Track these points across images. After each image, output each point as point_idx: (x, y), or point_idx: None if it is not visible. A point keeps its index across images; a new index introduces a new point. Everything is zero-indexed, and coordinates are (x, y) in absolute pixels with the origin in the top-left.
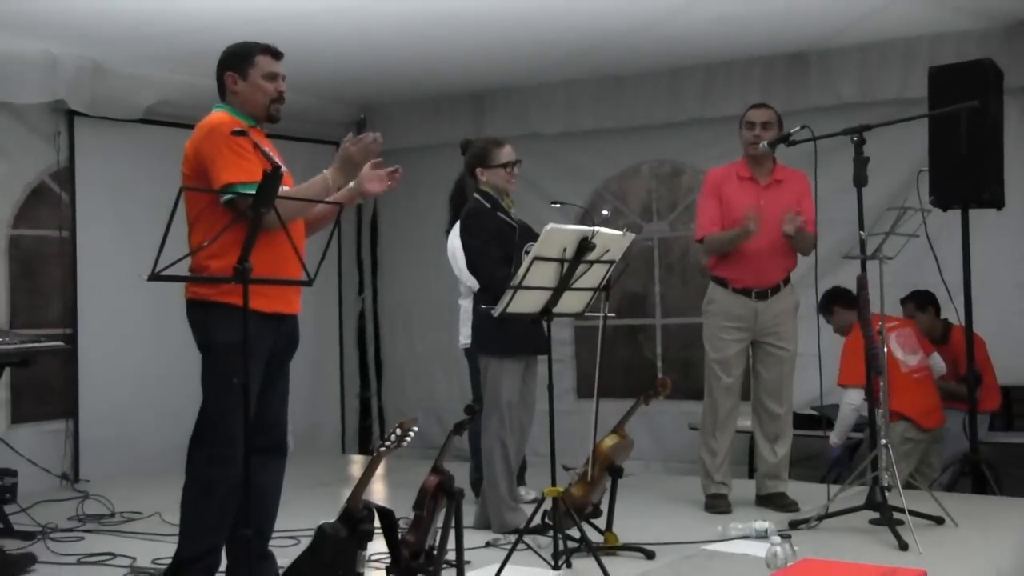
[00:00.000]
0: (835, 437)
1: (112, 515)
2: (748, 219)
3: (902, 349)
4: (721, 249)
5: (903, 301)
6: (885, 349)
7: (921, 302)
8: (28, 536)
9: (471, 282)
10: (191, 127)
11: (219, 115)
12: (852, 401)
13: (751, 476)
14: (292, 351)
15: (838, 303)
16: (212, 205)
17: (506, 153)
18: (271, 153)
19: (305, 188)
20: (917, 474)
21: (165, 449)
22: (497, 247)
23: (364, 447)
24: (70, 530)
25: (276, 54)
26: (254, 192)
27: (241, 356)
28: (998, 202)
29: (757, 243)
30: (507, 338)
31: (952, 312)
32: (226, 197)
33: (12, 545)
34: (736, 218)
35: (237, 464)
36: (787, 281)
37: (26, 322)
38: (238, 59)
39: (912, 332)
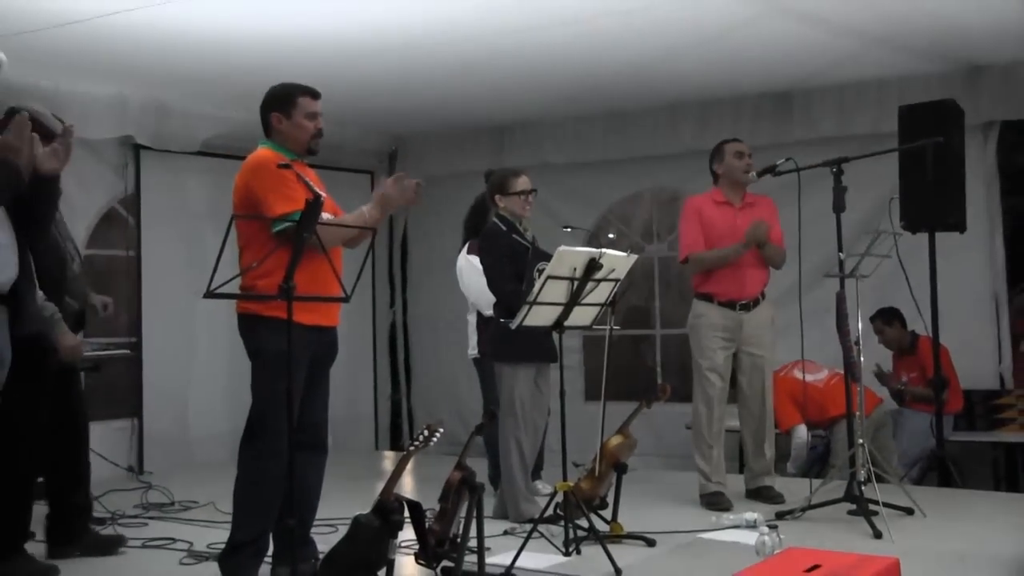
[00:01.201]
0: (792, 468)
1: (172, 504)
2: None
3: (807, 373)
4: (714, 265)
5: (872, 318)
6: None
7: (888, 317)
8: (100, 521)
9: (475, 298)
10: (241, 158)
11: (264, 152)
12: (800, 436)
13: (741, 471)
14: (332, 359)
15: None
16: (260, 231)
17: (522, 182)
18: (312, 183)
19: (344, 219)
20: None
21: (219, 444)
22: (510, 265)
23: (395, 444)
24: (135, 516)
25: (315, 95)
26: (298, 219)
27: (286, 364)
28: (961, 226)
29: (740, 260)
30: (520, 347)
31: (921, 325)
32: (281, 226)
33: None
34: (717, 237)
35: (282, 460)
36: (763, 295)
37: (97, 332)
38: (282, 100)
39: (809, 363)
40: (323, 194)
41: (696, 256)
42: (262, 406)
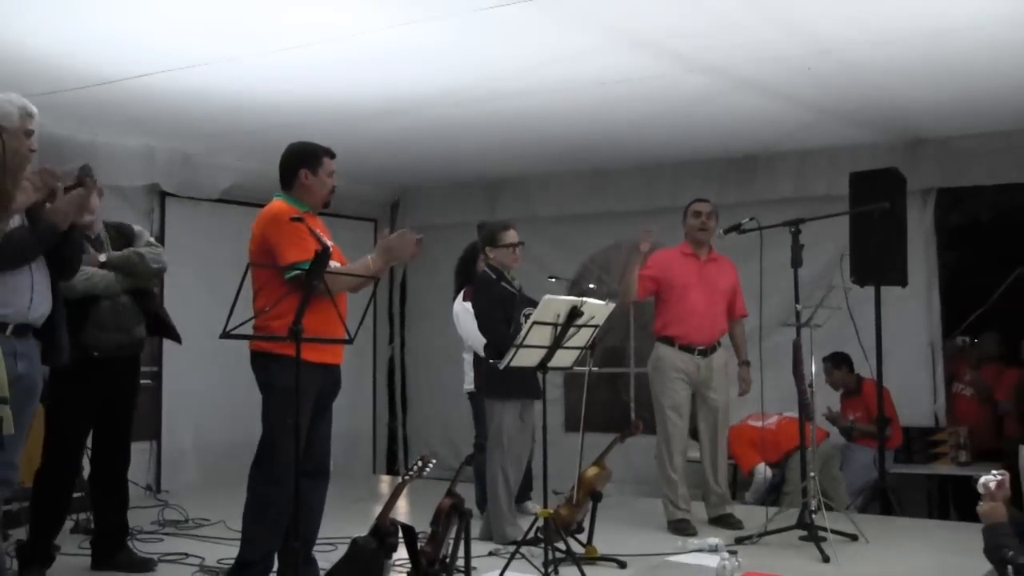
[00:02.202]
0: (751, 498)
1: (186, 521)
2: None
3: (758, 421)
4: (627, 279)
5: (824, 359)
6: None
7: (837, 361)
8: None
9: (470, 340)
10: (256, 206)
11: (279, 204)
12: (760, 473)
13: (704, 499)
14: (335, 394)
15: None
16: (273, 277)
17: (510, 236)
18: (322, 235)
19: (350, 268)
20: (827, 487)
21: (230, 468)
22: (500, 310)
23: (391, 468)
24: (153, 532)
25: (333, 155)
26: (307, 268)
27: (295, 398)
28: (903, 280)
29: (701, 307)
30: (508, 385)
31: (867, 369)
32: (292, 274)
33: None
34: (683, 286)
35: (289, 485)
36: (719, 343)
37: None
38: (309, 158)
39: (756, 415)
40: (330, 244)
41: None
42: (271, 436)
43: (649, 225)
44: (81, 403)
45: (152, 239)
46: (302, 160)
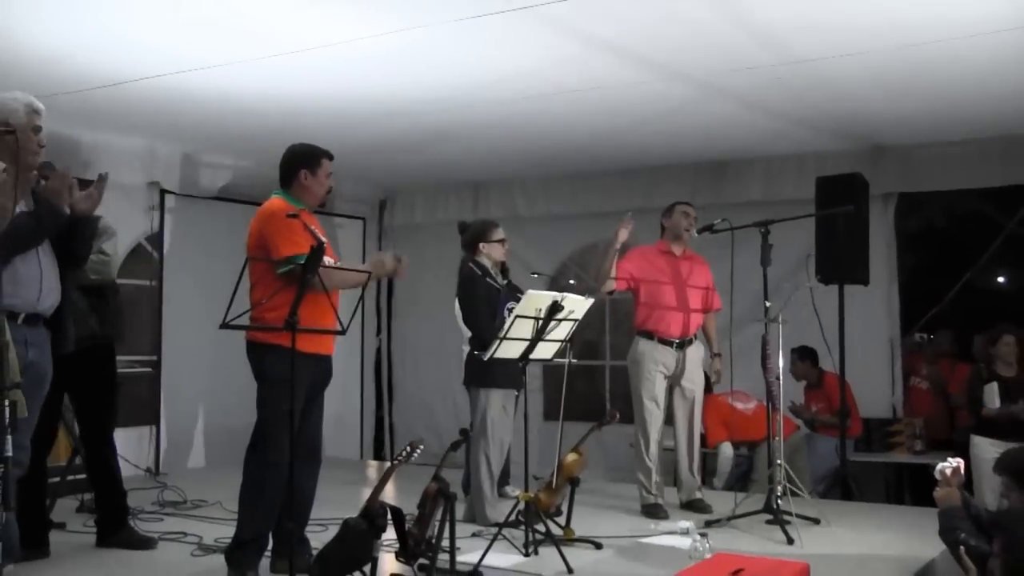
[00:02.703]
0: (718, 483)
1: (185, 502)
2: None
3: (741, 402)
4: (600, 270)
5: (792, 351)
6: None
7: (803, 354)
8: None
9: (468, 332)
10: (253, 203)
11: (276, 201)
12: (726, 453)
13: (675, 484)
14: (327, 383)
15: None
16: (268, 271)
17: (499, 232)
18: (317, 231)
19: (345, 278)
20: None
21: (225, 451)
22: (485, 304)
23: (378, 454)
24: (153, 512)
25: (331, 157)
26: (303, 262)
27: (288, 386)
28: (865, 279)
29: (678, 302)
30: (492, 375)
31: (830, 362)
32: (286, 268)
33: None
34: (659, 281)
35: (282, 469)
36: (696, 336)
37: (123, 351)
38: (310, 160)
39: (741, 393)
40: (325, 240)
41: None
42: (265, 422)
43: (622, 242)
44: None
45: (105, 249)
46: (303, 161)
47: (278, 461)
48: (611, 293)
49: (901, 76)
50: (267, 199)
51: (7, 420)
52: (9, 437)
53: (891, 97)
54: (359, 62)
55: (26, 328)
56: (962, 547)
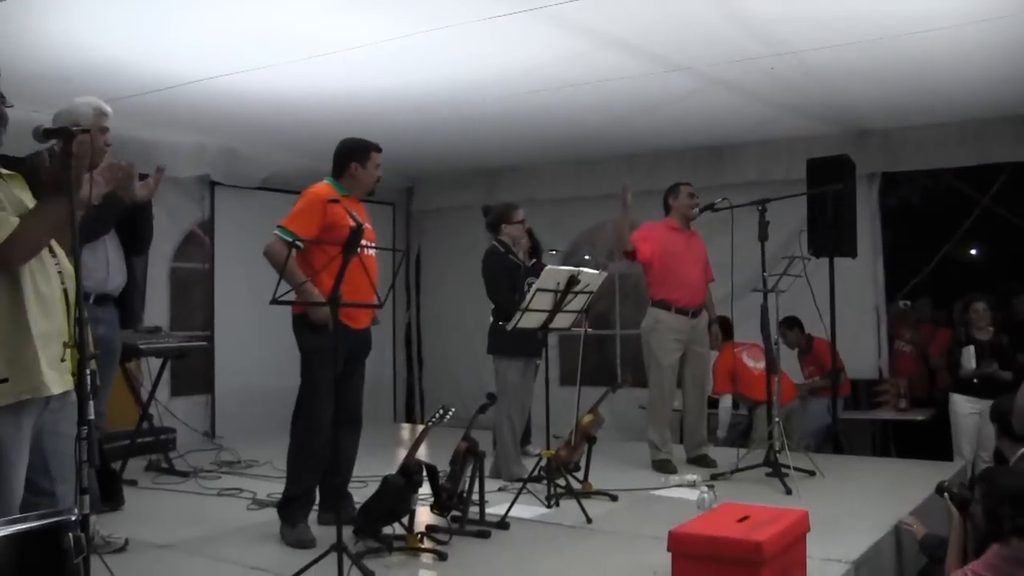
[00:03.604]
0: (720, 434)
1: (239, 462)
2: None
3: (752, 359)
4: (623, 233)
5: (779, 323)
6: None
7: (790, 323)
8: (184, 474)
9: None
10: (293, 192)
11: (321, 185)
12: (725, 404)
13: (682, 442)
14: (366, 353)
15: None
16: (310, 252)
17: (520, 213)
18: (358, 215)
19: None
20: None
21: (274, 416)
22: (507, 280)
23: (409, 417)
24: (211, 471)
25: (380, 150)
26: (288, 238)
27: (323, 355)
28: (852, 252)
29: (690, 275)
30: (514, 344)
31: (821, 328)
32: (279, 231)
33: (174, 480)
34: (673, 254)
35: (323, 432)
36: (703, 305)
37: (180, 327)
38: (361, 153)
39: (757, 349)
40: (366, 224)
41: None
42: (308, 390)
43: (630, 206)
44: None
45: None
46: (354, 154)
47: (319, 426)
48: (632, 256)
49: (883, 65)
50: (315, 183)
51: (89, 387)
52: (91, 402)
53: (874, 84)
54: (386, 61)
55: (96, 307)
56: (947, 494)
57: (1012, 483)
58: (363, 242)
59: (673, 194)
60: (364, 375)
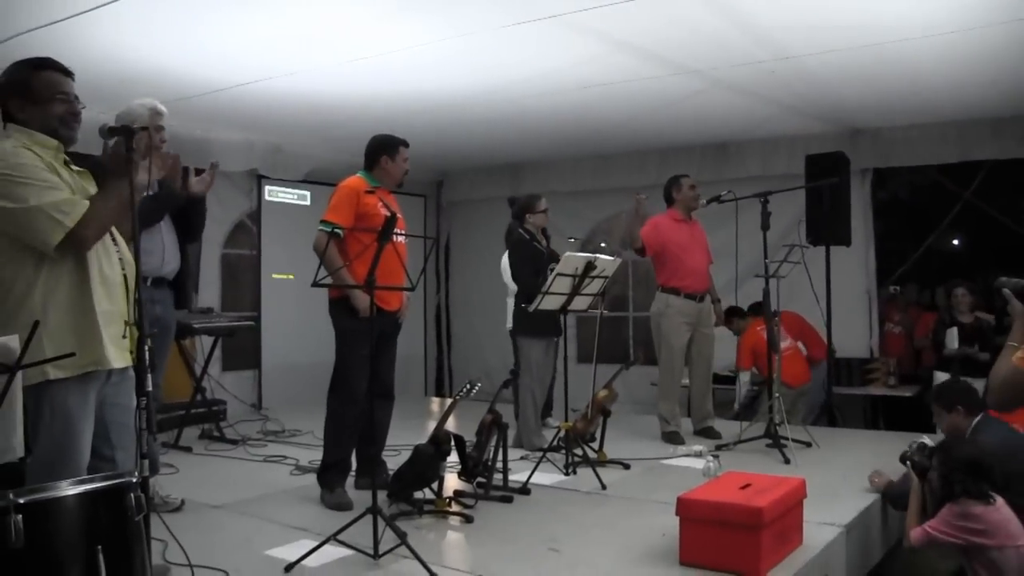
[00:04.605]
0: (738, 404)
1: (283, 431)
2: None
3: (782, 339)
4: (628, 230)
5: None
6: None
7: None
8: (233, 442)
9: (514, 287)
10: (332, 184)
11: (354, 179)
12: (744, 380)
13: (689, 415)
14: (396, 332)
15: (735, 315)
16: (348, 237)
17: (543, 203)
18: (391, 204)
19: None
20: (788, 415)
21: (316, 389)
22: (530, 265)
23: (439, 391)
24: (258, 439)
25: (407, 145)
26: (329, 229)
27: (355, 335)
28: (847, 241)
29: (696, 262)
30: (536, 324)
31: (818, 312)
32: (322, 227)
33: (225, 447)
34: (678, 244)
35: (356, 405)
36: (708, 289)
37: (230, 308)
38: (390, 147)
39: (782, 327)
40: (398, 214)
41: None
42: (342, 367)
43: (643, 211)
44: None
45: None
46: (384, 148)
47: (352, 399)
48: (641, 252)
49: (874, 70)
50: (349, 176)
51: (147, 361)
52: (149, 375)
53: (866, 87)
54: (417, 65)
55: (153, 289)
56: (908, 463)
57: (965, 452)
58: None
59: (675, 187)
60: (395, 352)
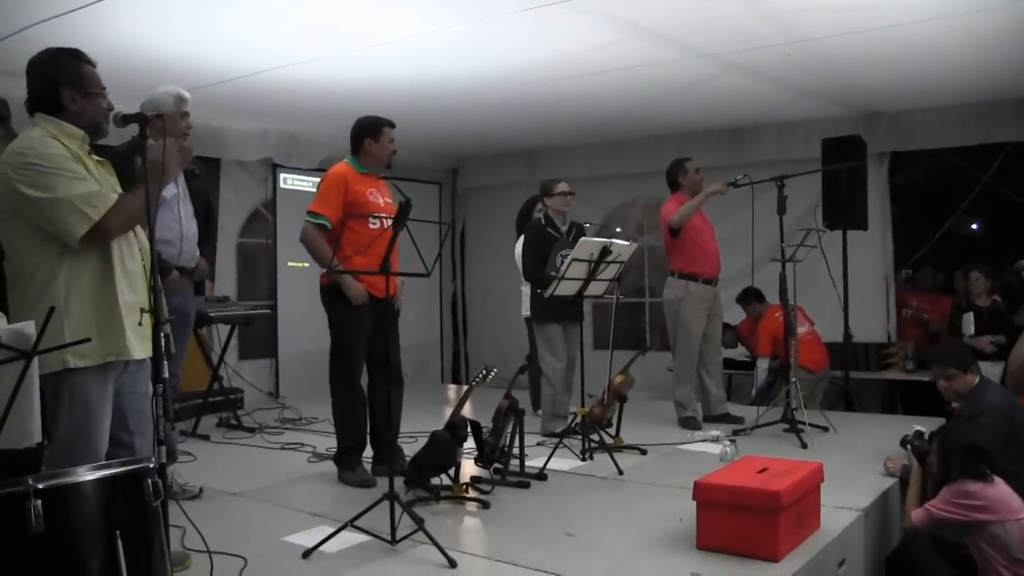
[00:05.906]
0: (755, 390)
1: (300, 419)
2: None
3: (801, 325)
4: (690, 212)
5: (736, 301)
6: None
7: (747, 297)
8: (251, 430)
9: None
10: None
11: (341, 165)
12: (763, 366)
13: (704, 401)
14: (395, 318)
15: (752, 297)
16: (351, 224)
17: (561, 187)
18: (379, 193)
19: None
20: (808, 400)
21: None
22: (538, 251)
23: (455, 378)
24: (275, 427)
25: (393, 126)
26: (316, 221)
27: (346, 323)
28: (864, 225)
29: (711, 247)
30: (553, 310)
31: (835, 296)
32: (309, 219)
33: (242, 435)
34: (695, 229)
35: (356, 391)
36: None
37: (247, 297)
38: (373, 129)
39: (800, 313)
40: (385, 201)
41: (677, 214)
42: (340, 355)
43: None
44: None
45: None
46: (366, 131)
47: (351, 386)
48: (676, 233)
49: (891, 52)
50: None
51: (163, 349)
52: (165, 363)
53: (883, 70)
54: (430, 52)
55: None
56: (908, 447)
57: (962, 436)
58: (382, 215)
59: (681, 171)
60: (399, 337)
